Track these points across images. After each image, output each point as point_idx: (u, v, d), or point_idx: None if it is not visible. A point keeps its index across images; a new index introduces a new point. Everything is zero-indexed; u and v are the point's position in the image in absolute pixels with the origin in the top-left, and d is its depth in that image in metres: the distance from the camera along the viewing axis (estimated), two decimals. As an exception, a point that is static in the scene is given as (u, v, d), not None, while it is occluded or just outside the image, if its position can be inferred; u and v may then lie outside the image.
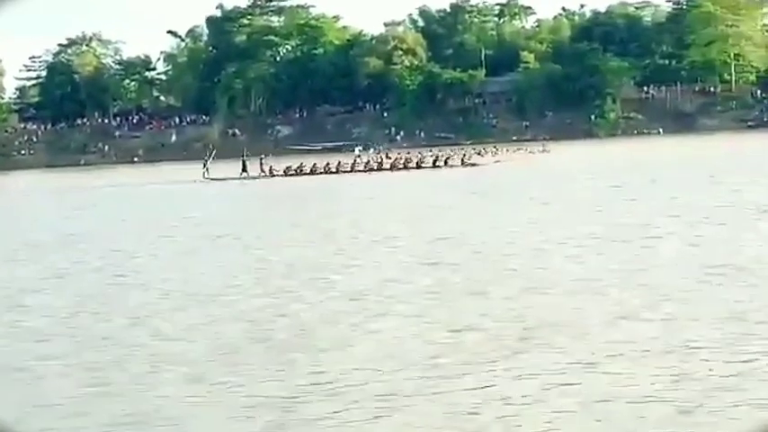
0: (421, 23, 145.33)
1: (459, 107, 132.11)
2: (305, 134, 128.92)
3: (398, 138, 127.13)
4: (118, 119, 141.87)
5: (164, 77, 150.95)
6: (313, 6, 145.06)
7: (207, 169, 70.68)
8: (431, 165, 68.55)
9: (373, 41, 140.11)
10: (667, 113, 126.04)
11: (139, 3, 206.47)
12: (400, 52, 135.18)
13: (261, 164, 70.54)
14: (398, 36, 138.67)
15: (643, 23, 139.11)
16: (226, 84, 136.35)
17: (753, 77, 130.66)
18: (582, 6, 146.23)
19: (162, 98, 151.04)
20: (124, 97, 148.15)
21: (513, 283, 18.53)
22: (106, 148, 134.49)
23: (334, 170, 68.87)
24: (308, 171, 68.54)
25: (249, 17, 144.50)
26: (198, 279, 21.83)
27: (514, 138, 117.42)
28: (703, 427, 10.10)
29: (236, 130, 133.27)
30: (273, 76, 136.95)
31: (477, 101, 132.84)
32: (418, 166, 68.05)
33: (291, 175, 68.15)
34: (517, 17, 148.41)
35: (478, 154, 77.61)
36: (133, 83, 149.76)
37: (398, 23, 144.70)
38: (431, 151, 78.40)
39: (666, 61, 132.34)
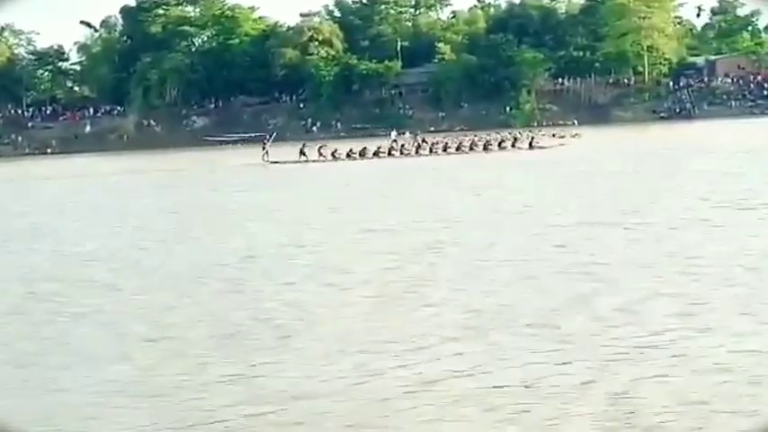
0: (337, 14, 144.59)
1: (375, 98, 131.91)
2: (221, 125, 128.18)
3: (315, 129, 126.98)
4: (31, 110, 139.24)
5: (78, 68, 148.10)
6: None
7: (266, 152, 72.18)
8: (497, 147, 71.32)
9: (289, 32, 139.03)
10: (582, 105, 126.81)
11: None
12: (316, 43, 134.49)
13: (319, 149, 72.11)
14: (314, 27, 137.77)
15: (557, 15, 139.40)
16: (141, 74, 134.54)
17: (665, 69, 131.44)
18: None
19: (76, 89, 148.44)
20: (38, 88, 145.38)
21: None
22: (19, 138, 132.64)
23: (398, 153, 71.96)
24: (371, 155, 70.70)
25: (164, 7, 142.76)
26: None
27: (431, 129, 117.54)
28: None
29: (152, 121, 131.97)
30: (189, 67, 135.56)
31: (393, 92, 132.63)
32: (485, 149, 71.14)
33: (354, 158, 70.12)
34: (433, 9, 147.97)
35: (515, 138, 76.05)
36: (47, 73, 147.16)
37: (314, 14, 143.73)
38: (488, 134, 78.47)
39: (581, 53, 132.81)
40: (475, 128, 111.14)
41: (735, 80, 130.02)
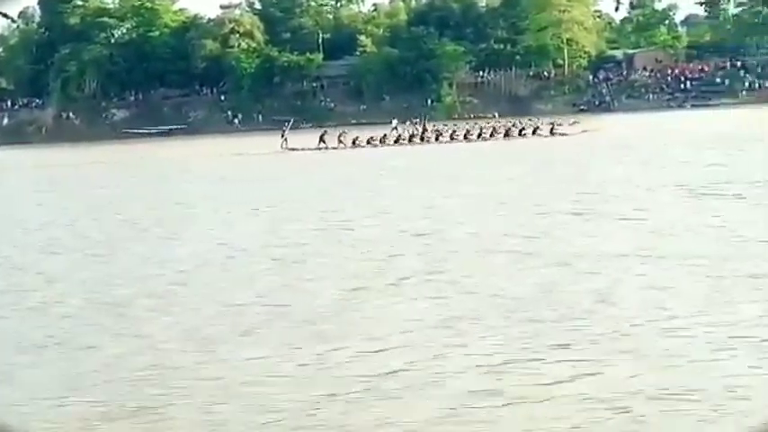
0: (258, 6, 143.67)
1: (296, 90, 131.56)
2: (140, 118, 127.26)
3: (236, 121, 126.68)
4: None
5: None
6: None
7: (285, 140, 72.45)
8: (518, 134, 72.37)
9: (210, 24, 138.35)
10: (502, 97, 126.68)
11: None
12: (237, 35, 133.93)
13: (339, 136, 72.53)
14: (235, 19, 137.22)
15: (478, 8, 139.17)
16: (59, 66, 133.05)
17: (585, 62, 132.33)
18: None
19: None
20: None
21: None
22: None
23: (419, 139, 73.02)
24: (391, 142, 72.11)
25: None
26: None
27: (353, 121, 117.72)
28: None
29: (71, 114, 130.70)
30: (108, 59, 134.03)
31: (314, 84, 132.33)
32: (506, 135, 72.13)
33: (375, 145, 70.70)
34: (354, 1, 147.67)
35: (523, 128, 75.90)
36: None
37: (235, 6, 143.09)
38: (499, 121, 79.31)
39: (501, 46, 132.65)
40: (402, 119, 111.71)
41: (653, 73, 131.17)
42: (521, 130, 73.79)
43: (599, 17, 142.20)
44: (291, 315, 16.21)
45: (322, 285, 18.65)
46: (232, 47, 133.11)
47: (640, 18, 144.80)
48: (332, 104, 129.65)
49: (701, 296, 16.04)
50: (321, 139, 71.94)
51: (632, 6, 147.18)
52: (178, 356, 13.89)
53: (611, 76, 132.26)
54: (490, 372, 12.41)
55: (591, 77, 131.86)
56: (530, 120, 79.37)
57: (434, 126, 78.74)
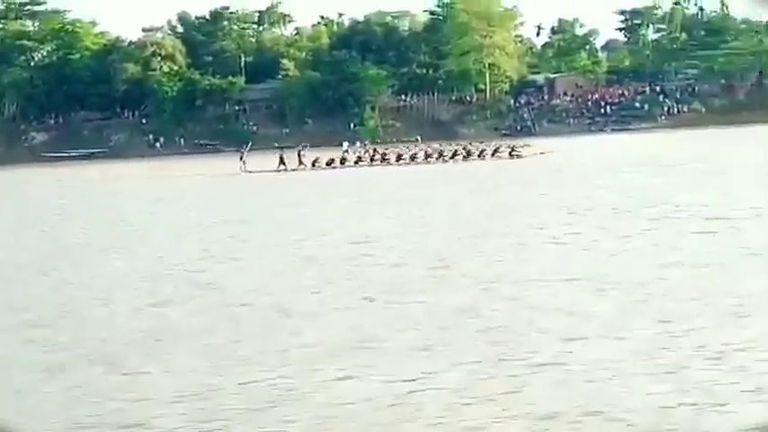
0: (180, 30, 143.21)
1: (219, 114, 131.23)
2: (60, 141, 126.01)
3: (158, 144, 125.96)
4: None
5: None
6: (69, 11, 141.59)
7: (244, 162, 71.98)
8: (478, 156, 72.87)
9: (131, 47, 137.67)
10: (425, 121, 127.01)
11: None
12: (159, 58, 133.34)
13: (299, 156, 72.15)
14: (157, 42, 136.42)
15: (400, 33, 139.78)
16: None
17: (506, 87, 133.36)
18: (340, 15, 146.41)
19: None
20: None
21: None
22: None
23: (380, 160, 73.29)
24: (352, 163, 72.67)
25: (2, 21, 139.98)
26: None
27: (276, 144, 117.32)
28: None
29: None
30: (28, 82, 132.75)
31: (237, 107, 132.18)
32: (467, 157, 72.66)
33: (335, 167, 71.09)
34: (277, 25, 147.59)
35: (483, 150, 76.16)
36: None
37: (157, 29, 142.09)
38: (452, 145, 78.81)
39: (424, 70, 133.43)
40: (320, 144, 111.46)
41: (573, 98, 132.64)
42: (481, 152, 74.23)
43: (520, 42, 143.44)
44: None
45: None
46: (154, 70, 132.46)
47: (561, 43, 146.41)
48: (254, 128, 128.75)
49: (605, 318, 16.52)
50: (281, 161, 71.58)
51: (553, 32, 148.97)
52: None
53: (533, 101, 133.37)
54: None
55: (512, 102, 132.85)
56: (481, 143, 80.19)
57: (386, 148, 78.89)
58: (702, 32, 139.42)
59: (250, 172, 70.04)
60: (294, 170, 70.31)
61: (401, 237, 29.53)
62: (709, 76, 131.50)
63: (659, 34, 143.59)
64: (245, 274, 23.65)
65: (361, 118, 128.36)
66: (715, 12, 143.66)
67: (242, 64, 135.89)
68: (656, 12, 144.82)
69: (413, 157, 74.11)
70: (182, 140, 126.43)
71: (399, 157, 74.09)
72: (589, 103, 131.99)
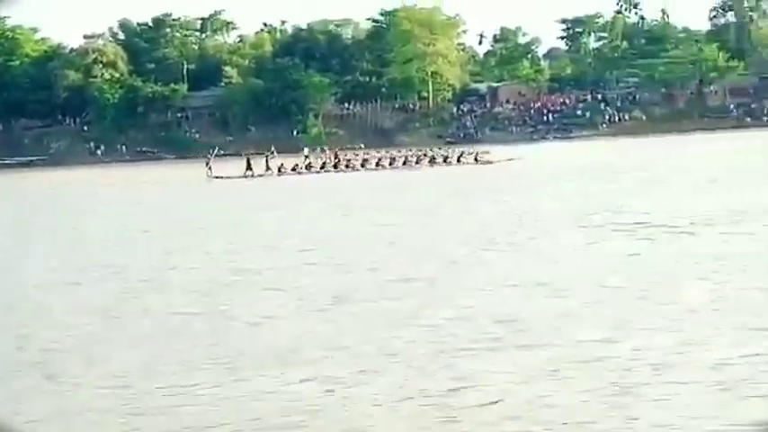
0: (122, 36, 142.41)
1: (161, 121, 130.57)
2: (0, 148, 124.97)
3: (99, 152, 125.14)
4: None
5: None
6: (8, 17, 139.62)
7: (210, 168, 72.02)
8: (443, 161, 74.12)
9: (72, 54, 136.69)
10: (368, 129, 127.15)
11: None
12: (100, 65, 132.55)
13: (267, 161, 72.65)
14: (98, 49, 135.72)
15: (344, 40, 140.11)
16: None
17: (449, 95, 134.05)
18: (283, 23, 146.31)
19: None
20: None
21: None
22: None
23: (347, 167, 73.44)
24: (318, 168, 73.24)
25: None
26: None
27: (221, 152, 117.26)
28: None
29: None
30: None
31: (179, 115, 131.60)
32: (432, 162, 73.62)
33: (301, 172, 71.65)
34: (219, 32, 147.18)
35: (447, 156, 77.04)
36: None
37: (98, 36, 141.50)
38: (422, 151, 79.58)
39: (367, 78, 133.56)
40: (263, 152, 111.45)
41: (516, 106, 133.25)
42: (446, 158, 75.15)
43: (463, 51, 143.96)
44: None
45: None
46: (95, 77, 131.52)
47: (503, 52, 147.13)
48: (197, 135, 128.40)
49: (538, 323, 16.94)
50: (248, 166, 71.54)
51: (495, 40, 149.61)
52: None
53: (476, 109, 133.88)
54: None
55: (455, 110, 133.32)
56: (440, 149, 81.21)
57: (346, 155, 79.28)
58: (643, 41, 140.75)
59: (217, 178, 69.98)
60: (261, 176, 70.39)
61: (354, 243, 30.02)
62: (649, 84, 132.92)
63: (601, 43, 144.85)
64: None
65: (305, 125, 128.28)
66: (656, 20, 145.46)
67: (184, 71, 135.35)
68: (597, 20, 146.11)
69: (378, 163, 74.68)
70: (123, 148, 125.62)
71: (365, 163, 74.62)
72: (531, 111, 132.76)
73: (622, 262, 23.45)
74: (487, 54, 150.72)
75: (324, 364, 14.65)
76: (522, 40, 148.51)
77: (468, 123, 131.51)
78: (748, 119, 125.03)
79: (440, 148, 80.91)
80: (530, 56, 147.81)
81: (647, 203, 36.41)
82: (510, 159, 71.89)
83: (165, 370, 14.91)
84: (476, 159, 74.21)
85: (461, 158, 74.97)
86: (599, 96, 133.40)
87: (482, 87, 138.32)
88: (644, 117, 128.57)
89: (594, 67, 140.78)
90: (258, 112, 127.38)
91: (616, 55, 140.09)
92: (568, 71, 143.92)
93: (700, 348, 14.55)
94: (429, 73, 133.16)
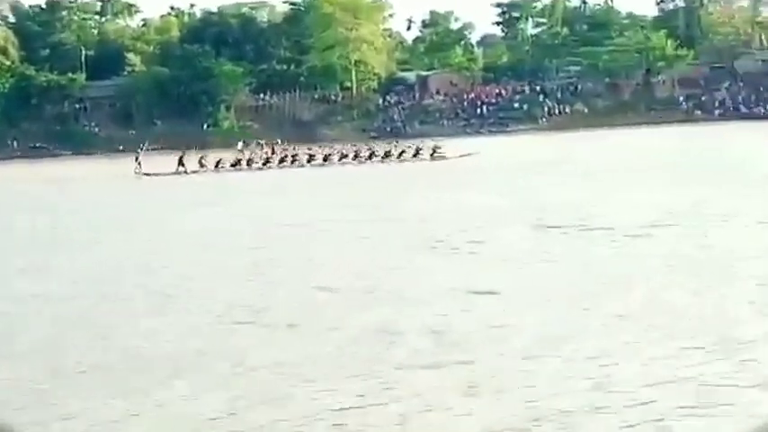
0: (12, 20, 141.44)
1: (57, 113, 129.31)
2: None
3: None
4: None
5: None
6: None
7: (139, 164, 71.76)
8: (396, 158, 74.26)
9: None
10: (286, 122, 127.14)
11: None
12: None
13: (201, 158, 72.69)
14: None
15: (259, 25, 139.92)
16: None
17: (374, 85, 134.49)
18: (192, 6, 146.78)
19: None
20: None
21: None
22: None
23: (293, 162, 74.10)
24: (260, 165, 73.59)
25: None
26: None
27: (120, 147, 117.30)
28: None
29: None
30: None
31: (77, 106, 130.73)
32: (385, 157, 74.15)
33: (241, 169, 72.06)
34: (121, 16, 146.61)
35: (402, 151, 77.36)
36: None
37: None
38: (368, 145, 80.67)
39: (284, 66, 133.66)
40: (170, 147, 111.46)
41: (447, 97, 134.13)
42: (400, 153, 75.69)
43: (389, 37, 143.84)
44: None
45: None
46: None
47: (434, 38, 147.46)
48: (96, 129, 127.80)
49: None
50: (180, 163, 71.74)
51: (425, 25, 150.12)
52: None
53: (403, 100, 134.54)
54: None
55: (381, 101, 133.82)
56: (394, 143, 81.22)
57: (284, 148, 79.88)
58: (585, 27, 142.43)
59: (147, 174, 70.17)
60: (195, 172, 70.68)
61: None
62: (592, 74, 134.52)
63: (539, 29, 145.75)
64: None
65: (216, 118, 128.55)
66: (599, 5, 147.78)
67: (83, 58, 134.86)
68: (535, 5, 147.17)
69: (326, 158, 75.51)
70: (15, 143, 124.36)
71: (312, 159, 75.39)
72: (464, 103, 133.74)
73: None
74: (416, 41, 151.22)
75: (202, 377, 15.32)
76: (454, 25, 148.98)
77: (395, 116, 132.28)
78: (698, 111, 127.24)
79: (394, 143, 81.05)
80: (462, 43, 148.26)
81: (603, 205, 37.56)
82: (465, 155, 72.09)
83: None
84: (432, 155, 74.63)
85: (418, 154, 75.27)
86: (538, 87, 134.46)
87: (410, 77, 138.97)
88: (586, 110, 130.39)
89: (533, 55, 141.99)
90: (164, 104, 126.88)
91: (556, 42, 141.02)
92: (504, 60, 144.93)
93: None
94: (352, 61, 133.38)
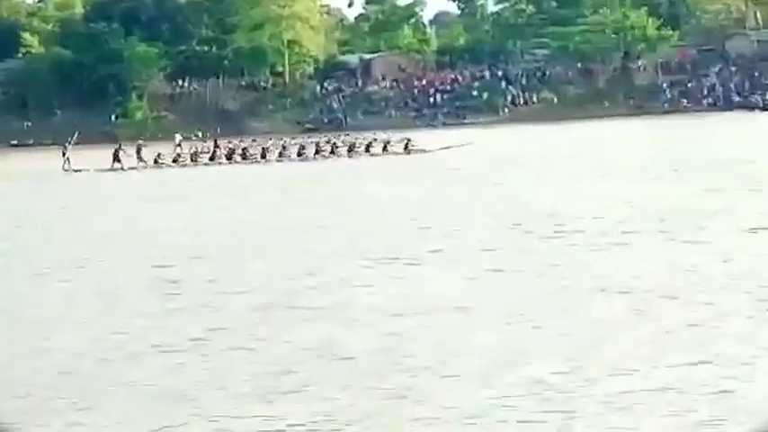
0: None
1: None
2: None
3: None
4: None
5: None
6: None
7: (67, 159, 72.16)
8: (364, 150, 75.48)
9: None
10: (208, 112, 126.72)
11: None
12: None
13: (139, 152, 72.82)
14: None
15: (177, 1, 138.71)
16: None
17: (311, 69, 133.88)
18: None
19: None
20: None
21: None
22: None
23: (243, 158, 74.76)
24: (206, 160, 74.55)
25: None
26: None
27: (14, 142, 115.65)
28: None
29: None
30: None
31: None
32: (350, 150, 75.24)
33: (185, 164, 72.98)
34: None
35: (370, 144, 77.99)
36: None
37: None
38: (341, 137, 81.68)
39: (206, 48, 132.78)
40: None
41: (395, 84, 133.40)
42: (368, 145, 76.31)
43: (327, 14, 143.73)
44: None
45: None
46: None
47: (379, 16, 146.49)
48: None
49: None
50: (115, 157, 71.43)
51: (369, 1, 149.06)
52: None
53: (344, 87, 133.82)
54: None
55: (318, 88, 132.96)
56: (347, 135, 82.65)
57: (229, 142, 79.97)
58: (554, 4, 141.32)
59: (77, 171, 70.16)
60: (133, 168, 70.60)
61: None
62: (562, 57, 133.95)
63: (501, 5, 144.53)
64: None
65: (126, 108, 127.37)
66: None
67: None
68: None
69: (282, 153, 75.58)
70: None
71: (266, 153, 75.33)
72: (415, 91, 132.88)
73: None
74: (359, 18, 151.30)
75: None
76: (402, 1, 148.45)
77: (334, 105, 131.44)
78: (684, 101, 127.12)
79: (347, 135, 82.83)
80: (412, 21, 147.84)
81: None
82: (445, 148, 72.43)
83: None
84: (406, 148, 75.07)
85: (388, 147, 76.09)
86: (500, 72, 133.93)
87: (352, 60, 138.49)
88: (555, 99, 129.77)
89: (494, 35, 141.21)
90: (65, 92, 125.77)
91: (520, 21, 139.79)
92: (461, 41, 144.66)
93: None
94: (285, 42, 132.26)
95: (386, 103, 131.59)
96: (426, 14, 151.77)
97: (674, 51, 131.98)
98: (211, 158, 75.01)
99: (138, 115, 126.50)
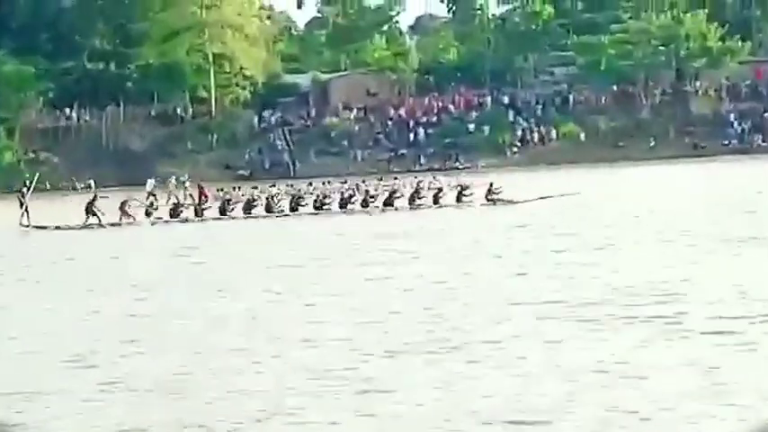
0: None
1: None
2: None
3: None
4: None
5: None
6: None
7: (26, 211, 71.71)
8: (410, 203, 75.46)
9: None
10: (103, 154, 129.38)
11: None
12: None
13: (123, 205, 72.52)
14: None
15: (59, 2, 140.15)
16: None
17: (246, 94, 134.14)
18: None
19: None
20: None
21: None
22: None
23: (247, 210, 75.14)
24: (217, 213, 74.83)
25: None
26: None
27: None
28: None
29: None
30: None
31: None
32: (412, 201, 75.51)
33: (169, 221, 73.35)
34: None
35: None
36: None
37: None
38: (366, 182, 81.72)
39: (102, 65, 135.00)
40: None
41: (362, 114, 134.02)
42: (435, 195, 75.93)
43: (269, 18, 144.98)
44: None
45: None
46: None
47: (340, 20, 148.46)
48: None
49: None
50: (89, 210, 70.68)
51: (326, 2, 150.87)
52: None
53: (291, 120, 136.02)
54: None
55: (256, 121, 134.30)
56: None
57: (224, 191, 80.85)
58: (580, 5, 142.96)
59: (42, 228, 70.27)
60: (116, 225, 70.66)
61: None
62: (592, 77, 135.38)
63: (507, 6, 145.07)
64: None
65: None
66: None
67: None
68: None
69: (297, 204, 75.84)
70: None
71: (271, 206, 75.72)
72: (389, 124, 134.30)
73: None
74: (312, 24, 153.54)
75: None
76: (371, 1, 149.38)
77: (278, 144, 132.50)
78: (758, 137, 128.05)
79: (363, 182, 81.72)
80: (386, 27, 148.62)
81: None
82: (542, 198, 72.42)
83: None
84: (489, 197, 74.45)
85: (462, 196, 75.90)
86: (505, 99, 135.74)
87: (303, 82, 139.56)
88: (582, 135, 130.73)
89: (497, 47, 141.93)
90: None
91: (534, 28, 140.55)
92: (452, 55, 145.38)
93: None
94: (210, 57, 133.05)
95: (349, 140, 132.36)
96: (405, 19, 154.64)
97: (746, 69, 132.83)
98: (222, 212, 74.60)
99: (8, 158, 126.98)
